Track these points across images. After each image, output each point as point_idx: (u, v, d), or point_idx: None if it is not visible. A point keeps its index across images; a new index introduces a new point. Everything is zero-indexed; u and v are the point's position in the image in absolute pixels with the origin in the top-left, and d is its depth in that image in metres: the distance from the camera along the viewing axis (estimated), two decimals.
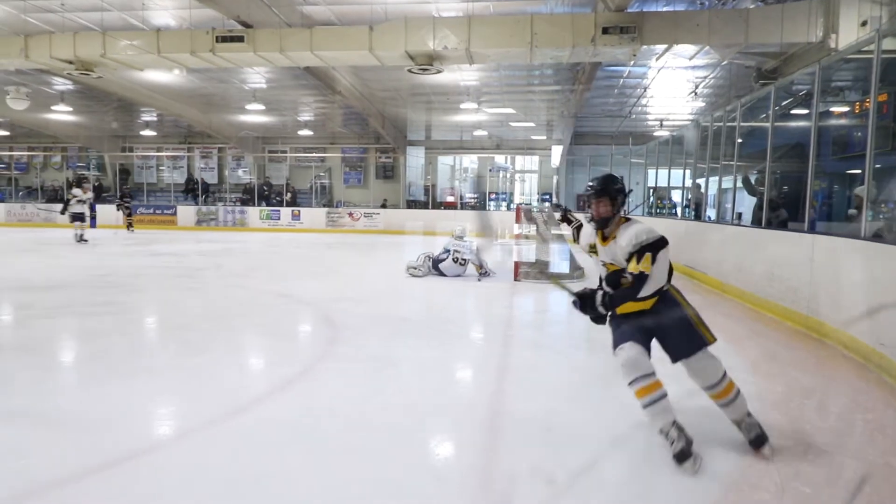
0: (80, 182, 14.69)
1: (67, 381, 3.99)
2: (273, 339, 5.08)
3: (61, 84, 17.38)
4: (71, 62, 12.24)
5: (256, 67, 14.14)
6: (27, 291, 7.08)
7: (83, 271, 8.71)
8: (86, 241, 13.30)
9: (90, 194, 13.92)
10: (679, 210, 12.75)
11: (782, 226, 7.27)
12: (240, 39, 11.00)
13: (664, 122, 19.61)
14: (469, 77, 15.56)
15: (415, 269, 8.59)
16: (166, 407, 3.42)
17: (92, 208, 14.60)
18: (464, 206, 22.03)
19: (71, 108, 19.33)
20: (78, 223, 13.50)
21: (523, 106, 19.01)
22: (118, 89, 16.85)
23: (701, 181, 10.05)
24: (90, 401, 3.41)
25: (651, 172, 13.57)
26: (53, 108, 18.69)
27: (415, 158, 23.86)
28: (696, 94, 15.87)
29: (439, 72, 11.66)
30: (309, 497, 2.34)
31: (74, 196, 13.72)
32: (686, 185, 11.14)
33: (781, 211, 7.59)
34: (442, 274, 8.50)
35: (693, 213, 10.63)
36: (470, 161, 24.25)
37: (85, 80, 14.26)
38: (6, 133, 24.06)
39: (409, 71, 11.66)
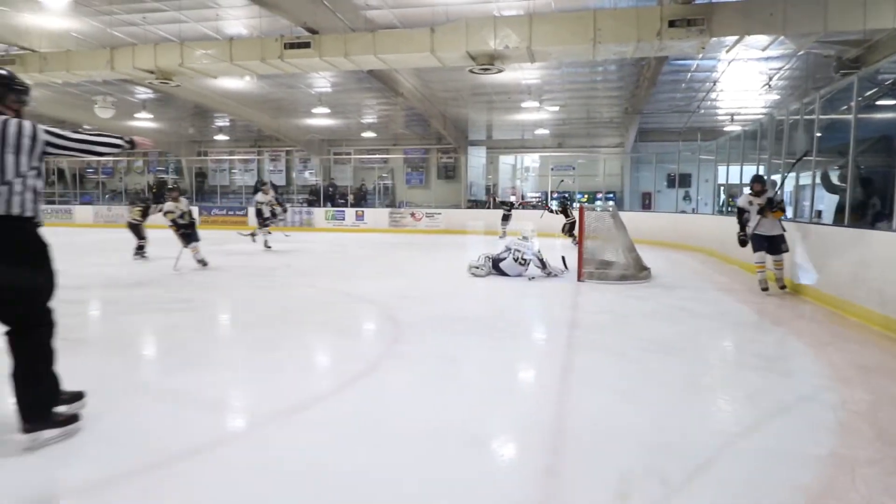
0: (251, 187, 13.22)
1: (146, 373, 4.23)
2: (338, 337, 5.22)
3: (143, 93, 18.48)
4: (152, 72, 13.01)
5: (322, 72, 14.56)
6: (114, 289, 7.57)
7: (164, 269, 9.21)
8: (269, 247, 12.73)
9: (271, 194, 12.95)
10: None
11: (876, 217, 6.71)
12: (306, 45, 11.38)
13: (735, 117, 18.83)
14: (530, 75, 15.44)
15: (476, 268, 8.62)
16: (238, 401, 3.58)
17: (280, 203, 13.49)
18: (525, 205, 21.51)
19: (152, 116, 20.50)
20: (264, 229, 12.75)
21: (586, 103, 18.70)
22: (194, 97, 17.78)
23: (776, 177, 9.57)
24: (164, 394, 3.61)
25: (721, 169, 13.04)
26: (136, 115, 19.89)
27: (476, 158, 23.86)
28: (769, 86, 15.15)
29: (500, 71, 11.64)
30: (373, 492, 2.39)
31: (260, 203, 12.76)
32: None
33: (875, 200, 7.00)
34: (503, 273, 8.48)
35: None
36: (531, 160, 24.01)
37: (164, 89, 15.10)
38: None
39: (471, 71, 11.70)
